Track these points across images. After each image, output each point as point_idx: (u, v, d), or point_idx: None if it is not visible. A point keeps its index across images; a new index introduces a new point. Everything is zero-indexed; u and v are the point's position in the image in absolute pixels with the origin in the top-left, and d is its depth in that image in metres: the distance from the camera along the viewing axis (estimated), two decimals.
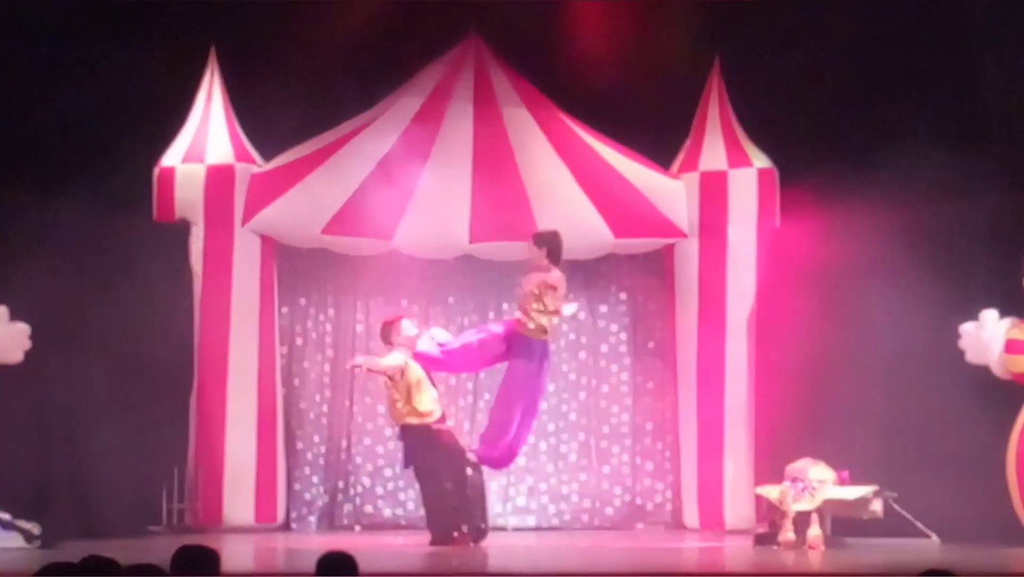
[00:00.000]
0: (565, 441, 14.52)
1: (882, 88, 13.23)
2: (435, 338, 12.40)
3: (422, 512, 12.58)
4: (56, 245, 12.74)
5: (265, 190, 13.84)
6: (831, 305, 12.90)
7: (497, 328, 12.46)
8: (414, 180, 13.77)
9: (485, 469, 12.36)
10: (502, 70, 14.15)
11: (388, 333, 12.19)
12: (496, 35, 14.14)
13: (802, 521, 11.68)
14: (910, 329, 12.48)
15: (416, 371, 11.98)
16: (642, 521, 14.38)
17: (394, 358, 11.99)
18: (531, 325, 11.85)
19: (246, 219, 13.85)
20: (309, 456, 14.34)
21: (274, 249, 14.10)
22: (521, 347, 11.93)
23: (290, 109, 13.53)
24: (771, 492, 12.03)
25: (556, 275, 11.83)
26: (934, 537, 12.08)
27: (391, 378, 11.97)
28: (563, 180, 13.86)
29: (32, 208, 12.55)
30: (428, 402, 11.97)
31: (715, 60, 14.00)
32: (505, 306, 14.08)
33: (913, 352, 12.41)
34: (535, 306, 11.80)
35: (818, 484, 11.77)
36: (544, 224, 13.66)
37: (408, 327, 12.20)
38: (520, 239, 13.82)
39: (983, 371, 12.05)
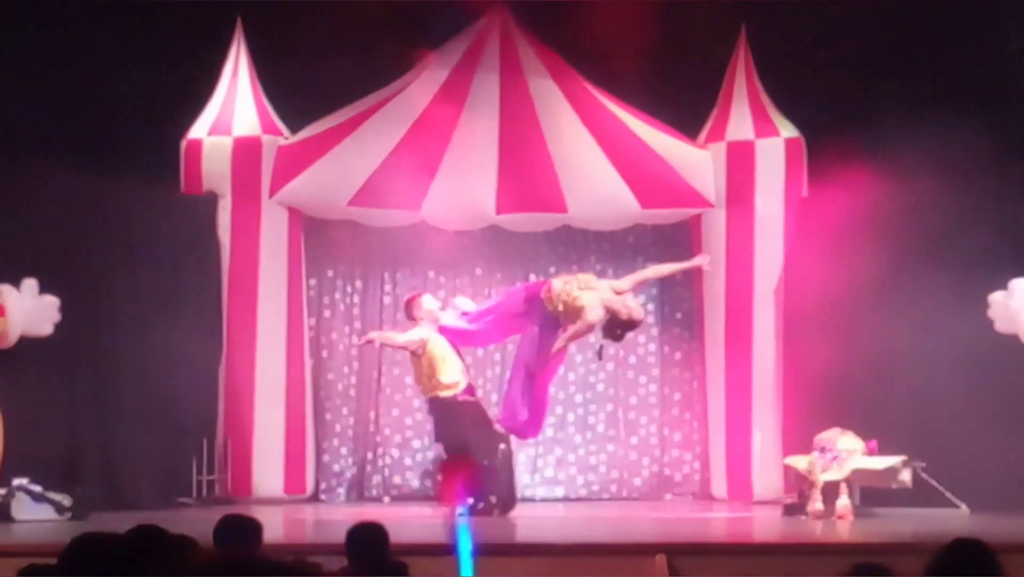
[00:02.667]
0: (593, 412, 14.54)
1: (909, 56, 13.16)
2: (459, 307, 12.42)
3: None
4: (84, 218, 12.81)
5: (292, 162, 13.86)
6: (859, 275, 12.86)
7: (518, 288, 12.52)
8: (440, 151, 13.77)
9: (514, 440, 12.41)
10: (528, 41, 14.11)
11: (411, 309, 12.29)
12: (522, 5, 14.10)
13: (831, 491, 11.67)
14: (939, 298, 12.45)
15: (439, 344, 12.02)
16: (670, 492, 14.39)
17: (415, 333, 12.08)
18: (553, 296, 11.78)
19: (273, 191, 13.87)
20: (338, 428, 14.38)
21: (301, 221, 14.12)
22: (538, 311, 11.89)
23: (316, 81, 13.54)
24: (799, 462, 12.02)
25: (593, 320, 11.69)
26: (963, 507, 12.05)
27: (414, 352, 12.05)
28: (590, 151, 13.83)
29: (60, 181, 12.58)
30: (454, 374, 12.02)
31: (741, 29, 13.94)
32: (532, 277, 14.07)
33: (942, 321, 12.38)
34: (565, 291, 11.73)
35: (846, 454, 11.76)
36: (571, 196, 13.68)
37: (429, 301, 12.26)
38: (547, 210, 13.85)
39: (1012, 340, 12.00)
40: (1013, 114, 12.56)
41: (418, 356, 12.05)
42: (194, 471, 13.42)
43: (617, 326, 11.74)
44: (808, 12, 13.17)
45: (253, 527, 5.72)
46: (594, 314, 11.55)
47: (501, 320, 12.28)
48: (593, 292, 11.66)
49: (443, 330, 12.16)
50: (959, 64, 12.85)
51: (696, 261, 12.58)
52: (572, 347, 13.14)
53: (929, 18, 12.95)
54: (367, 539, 5.88)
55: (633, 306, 11.75)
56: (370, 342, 12.55)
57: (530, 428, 12.30)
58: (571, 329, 11.67)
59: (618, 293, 11.76)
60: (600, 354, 12.65)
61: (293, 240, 14.06)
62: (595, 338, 12.34)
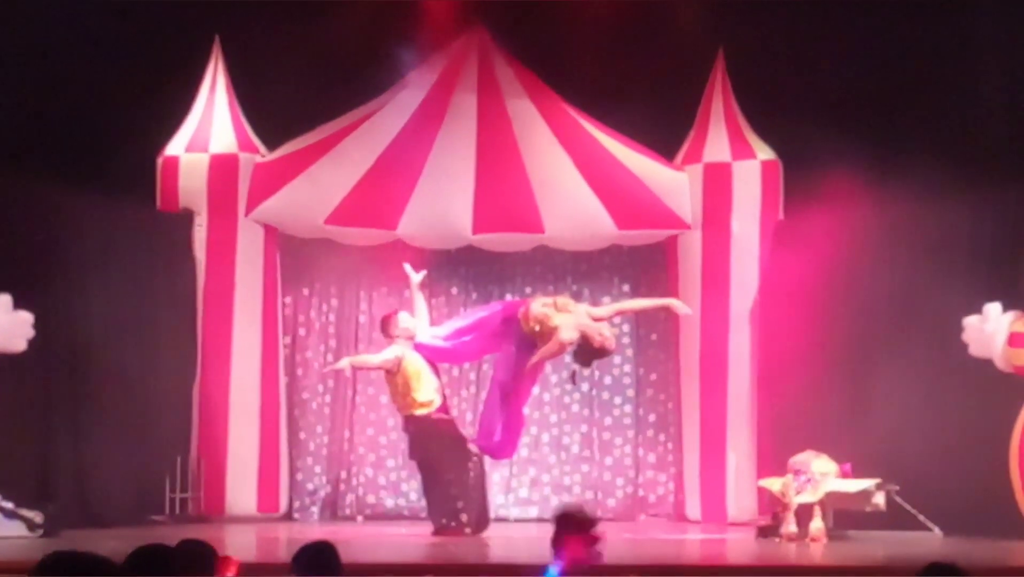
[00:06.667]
0: (567, 432, 14.54)
1: (887, 81, 13.21)
2: (411, 325, 12.31)
3: (424, 502, 12.61)
4: (59, 234, 12.76)
5: (269, 180, 13.85)
6: (834, 298, 12.90)
7: (496, 307, 12.49)
8: (418, 171, 13.78)
9: (488, 460, 12.40)
10: (506, 61, 14.12)
11: (387, 327, 12.28)
12: (500, 26, 14.12)
13: (804, 514, 11.67)
14: (913, 322, 12.48)
15: (414, 362, 12.02)
16: (644, 513, 14.39)
17: (390, 351, 12.09)
18: (530, 317, 11.79)
19: (249, 209, 13.86)
20: (312, 446, 14.36)
21: (277, 239, 14.11)
22: (514, 331, 11.89)
23: (294, 99, 13.51)
24: (774, 484, 12.02)
25: (565, 341, 11.69)
26: (936, 530, 12.07)
27: (389, 370, 12.05)
28: (567, 171, 13.85)
29: (35, 197, 12.54)
30: (428, 392, 12.02)
31: (719, 51, 13.98)
32: (508, 296, 14.07)
33: (916, 345, 12.41)
34: (542, 313, 11.71)
35: (820, 477, 11.76)
36: (548, 216, 13.69)
37: (405, 319, 12.25)
38: (523, 230, 13.86)
39: (986, 364, 12.03)
40: (991, 140, 12.59)
41: (393, 374, 12.05)
42: (167, 489, 13.38)
43: (588, 352, 11.75)
44: (786, 35, 13.23)
45: (169, 557, 5.23)
46: (567, 335, 11.56)
47: (478, 339, 12.27)
48: (570, 315, 11.67)
49: (419, 347, 12.16)
50: (937, 91, 12.88)
51: (675, 304, 12.50)
52: (548, 368, 13.16)
53: (907, 45, 13.00)
54: (316, 560, 5.73)
55: (607, 335, 11.74)
56: (341, 370, 12.55)
57: (504, 448, 12.31)
58: (543, 348, 11.67)
59: (595, 320, 11.77)
60: (573, 379, 12.64)
61: (269, 258, 14.05)
62: (569, 361, 12.34)
